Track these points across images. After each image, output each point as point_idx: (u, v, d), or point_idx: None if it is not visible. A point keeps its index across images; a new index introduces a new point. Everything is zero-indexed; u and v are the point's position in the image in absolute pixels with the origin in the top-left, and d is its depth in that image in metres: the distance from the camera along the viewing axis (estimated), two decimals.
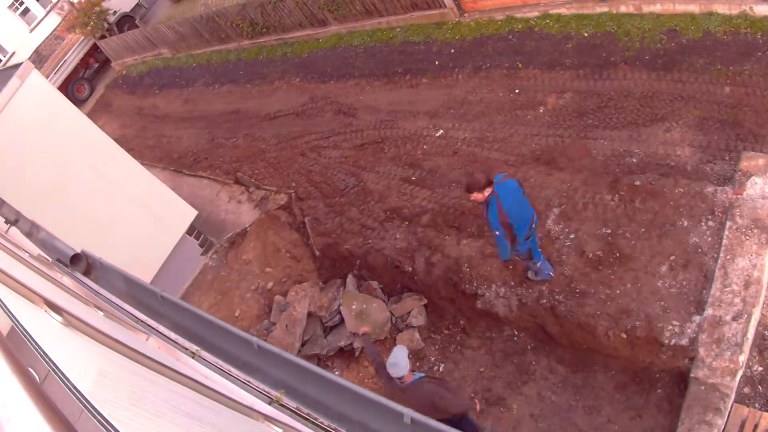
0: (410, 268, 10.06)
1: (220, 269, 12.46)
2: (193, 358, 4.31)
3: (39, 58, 23.79)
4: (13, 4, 24.21)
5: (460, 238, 9.78)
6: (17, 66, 10.72)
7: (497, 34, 12.67)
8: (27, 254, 6.24)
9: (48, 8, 24.95)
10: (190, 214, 12.93)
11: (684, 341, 7.28)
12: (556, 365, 8.44)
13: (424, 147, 11.77)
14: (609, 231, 8.66)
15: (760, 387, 6.82)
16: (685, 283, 7.67)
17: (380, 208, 11.16)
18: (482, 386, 8.77)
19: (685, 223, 8.12)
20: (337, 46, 16.02)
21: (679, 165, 8.88)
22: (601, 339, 8.02)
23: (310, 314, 10.43)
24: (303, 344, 10.17)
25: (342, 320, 10.18)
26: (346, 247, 10.97)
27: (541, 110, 10.84)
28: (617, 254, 8.36)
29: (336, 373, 9.69)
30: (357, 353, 9.81)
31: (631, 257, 8.27)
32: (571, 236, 8.86)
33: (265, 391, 3.97)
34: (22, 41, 24.37)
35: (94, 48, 25.04)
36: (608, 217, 8.78)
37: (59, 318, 3.00)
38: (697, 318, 7.32)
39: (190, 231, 12.98)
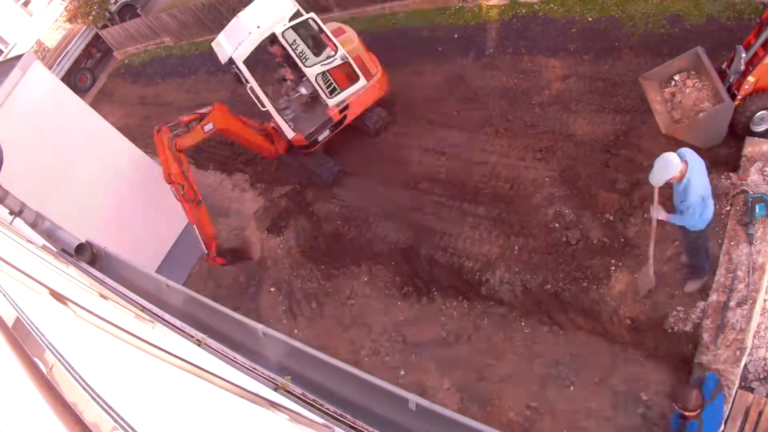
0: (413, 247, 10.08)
1: None
2: (198, 345, 4.33)
3: (41, 49, 23.74)
4: None
5: (465, 226, 9.81)
6: (19, 57, 10.71)
7: (500, 19, 12.59)
8: (32, 245, 6.27)
9: None
10: None
11: (688, 327, 7.29)
12: (559, 351, 8.46)
13: (426, 134, 11.75)
14: (612, 217, 8.66)
15: (764, 373, 6.82)
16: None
17: (384, 196, 11.18)
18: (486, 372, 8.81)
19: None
20: None
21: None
22: (606, 324, 8.04)
23: None
24: None
25: None
26: (349, 237, 11.01)
27: (545, 94, 10.79)
28: (622, 240, 8.36)
29: None
30: None
31: (635, 243, 8.27)
32: (575, 222, 8.86)
33: (270, 377, 3.99)
34: (24, 32, 24.32)
35: (96, 38, 24.96)
36: (613, 203, 8.77)
37: (65, 308, 3.02)
38: (701, 304, 7.32)
39: None
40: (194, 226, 10.30)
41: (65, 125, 10.90)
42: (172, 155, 9.78)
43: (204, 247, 10.47)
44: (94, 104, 21.23)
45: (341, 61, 11.17)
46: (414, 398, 3.76)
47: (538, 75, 11.21)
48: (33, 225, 7.59)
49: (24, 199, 7.77)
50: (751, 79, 7.74)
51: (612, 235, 8.48)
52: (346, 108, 11.55)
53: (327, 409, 3.66)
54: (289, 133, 11.34)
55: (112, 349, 2.90)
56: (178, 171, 9.84)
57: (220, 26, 19.64)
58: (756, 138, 8.10)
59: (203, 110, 10.33)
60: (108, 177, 11.43)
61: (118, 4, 24.59)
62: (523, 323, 8.79)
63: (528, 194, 9.56)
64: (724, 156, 8.39)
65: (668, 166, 6.21)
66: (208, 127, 10.29)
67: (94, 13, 23.42)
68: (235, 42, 10.52)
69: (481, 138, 10.88)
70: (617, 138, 9.48)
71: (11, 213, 7.58)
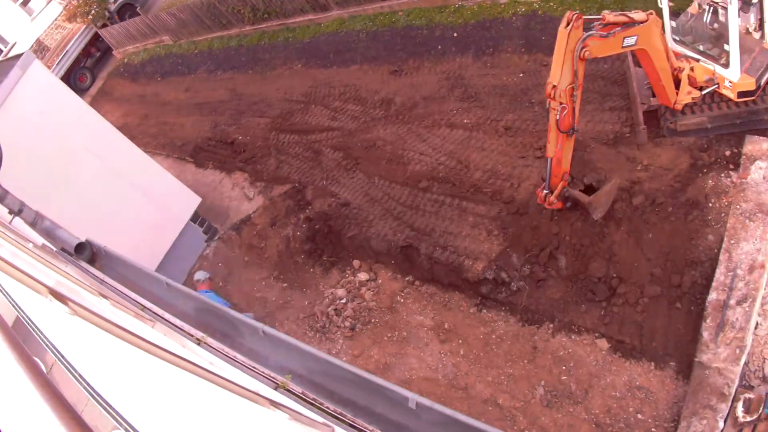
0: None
1: None
2: (198, 344, 4.34)
3: (40, 48, 23.72)
4: None
5: (463, 224, 9.81)
6: (19, 56, 10.69)
7: (500, 17, 12.59)
8: (31, 244, 6.26)
9: None
10: (194, 201, 12.93)
11: (687, 326, 7.29)
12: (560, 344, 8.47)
13: (426, 132, 11.74)
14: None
15: (764, 372, 6.82)
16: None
17: (384, 194, 11.17)
18: (486, 369, 8.81)
19: (689, 207, 8.10)
20: (339, 30, 15.94)
21: (683, 148, 8.85)
22: (605, 323, 8.04)
23: None
24: None
25: None
26: (350, 235, 11.00)
27: (545, 93, 10.78)
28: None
29: None
30: None
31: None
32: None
33: (270, 376, 3.99)
34: (24, 31, 24.31)
35: (96, 37, 24.97)
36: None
37: (64, 307, 3.02)
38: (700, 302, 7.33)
39: (194, 218, 12.99)
40: (548, 159, 8.29)
41: (65, 124, 10.89)
42: (570, 61, 7.48)
43: (545, 184, 8.61)
44: (94, 103, 21.27)
45: None
46: (414, 397, 3.76)
47: (537, 73, 11.21)
48: (32, 224, 7.58)
49: (23, 198, 7.76)
50: None
51: None
52: None
53: (327, 407, 3.66)
54: (735, 74, 8.36)
55: (112, 348, 2.90)
56: (568, 86, 7.60)
57: (220, 25, 19.76)
58: (756, 136, 8.10)
59: (633, 14, 7.81)
60: (107, 176, 11.41)
61: (117, 3, 24.59)
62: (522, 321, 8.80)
63: (528, 192, 9.56)
64: (724, 154, 8.39)
65: None
66: (630, 40, 7.85)
67: (93, 12, 23.42)
68: None
69: (481, 136, 10.87)
70: (616, 137, 9.48)
71: (11, 212, 7.57)
